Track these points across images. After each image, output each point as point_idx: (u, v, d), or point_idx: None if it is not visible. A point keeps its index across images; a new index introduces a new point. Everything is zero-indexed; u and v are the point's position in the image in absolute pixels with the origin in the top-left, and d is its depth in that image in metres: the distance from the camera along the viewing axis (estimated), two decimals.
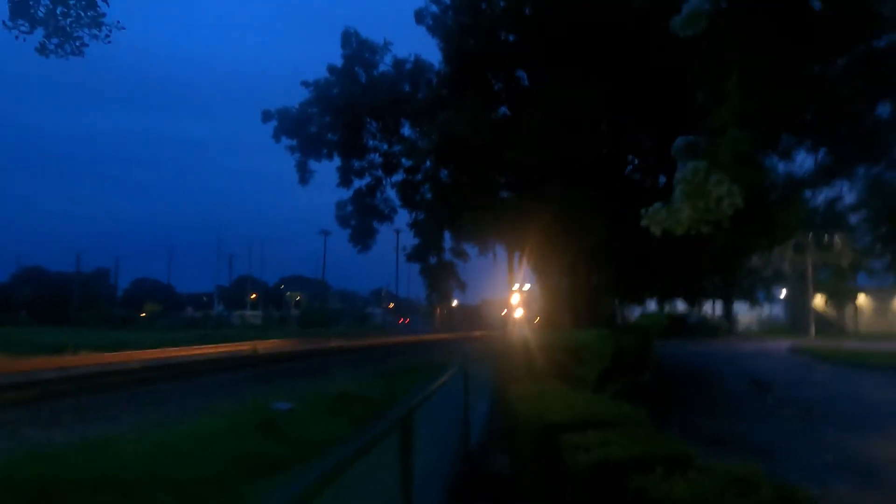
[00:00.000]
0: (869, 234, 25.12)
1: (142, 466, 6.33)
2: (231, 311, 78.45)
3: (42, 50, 6.58)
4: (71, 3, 6.52)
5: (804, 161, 16.31)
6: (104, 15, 6.63)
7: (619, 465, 2.92)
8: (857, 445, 8.69)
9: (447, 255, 22.69)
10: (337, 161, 23.61)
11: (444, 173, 18.95)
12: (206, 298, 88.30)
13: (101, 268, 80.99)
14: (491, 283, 46.19)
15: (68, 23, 6.54)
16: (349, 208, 24.28)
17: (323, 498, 1.77)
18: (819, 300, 45.74)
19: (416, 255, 22.85)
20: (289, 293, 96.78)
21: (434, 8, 18.43)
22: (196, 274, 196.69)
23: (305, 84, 22.56)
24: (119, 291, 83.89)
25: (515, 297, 34.20)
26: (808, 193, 17.83)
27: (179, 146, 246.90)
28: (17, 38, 6.37)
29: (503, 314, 47.27)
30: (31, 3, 6.33)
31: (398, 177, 23.63)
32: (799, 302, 48.26)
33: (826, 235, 26.74)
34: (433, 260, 22.21)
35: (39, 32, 6.58)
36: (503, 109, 18.19)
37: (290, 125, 22.80)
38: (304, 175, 23.43)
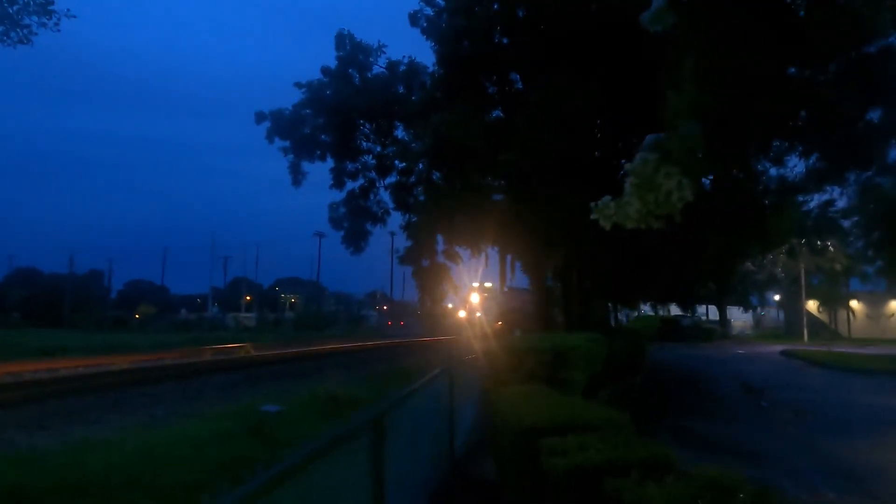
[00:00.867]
0: (861, 239, 25.19)
1: (124, 471, 6.24)
2: (225, 314, 78.14)
3: None
4: None
5: (796, 166, 16.35)
6: (53, 2, 6.56)
7: (594, 470, 2.88)
8: (847, 451, 8.68)
9: (440, 258, 22.61)
10: (330, 162, 23.58)
11: (437, 176, 18.91)
12: (201, 300, 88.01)
13: (95, 269, 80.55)
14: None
15: (14, 10, 6.45)
16: (342, 210, 24.21)
17: (282, 500, 1.72)
18: (812, 305, 45.85)
19: (408, 257, 22.78)
20: (283, 295, 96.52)
21: (428, 10, 18.44)
22: (190, 276, 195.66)
23: (299, 85, 22.53)
24: (113, 293, 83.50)
25: (475, 298, 32.43)
26: (800, 198, 17.85)
27: (174, 148, 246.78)
28: None
29: (462, 317, 45.82)
30: None
31: (391, 179, 23.62)
32: (792, 306, 48.42)
33: (819, 240, 26.75)
34: (426, 262, 22.14)
35: None
36: (497, 112, 18.18)
37: (284, 126, 22.75)
38: (298, 176, 23.37)
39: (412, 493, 4.01)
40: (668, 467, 2.94)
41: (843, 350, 27.69)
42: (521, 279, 39.87)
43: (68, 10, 6.71)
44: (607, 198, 1.99)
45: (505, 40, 16.96)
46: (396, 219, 24.83)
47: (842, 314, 47.10)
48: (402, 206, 23.02)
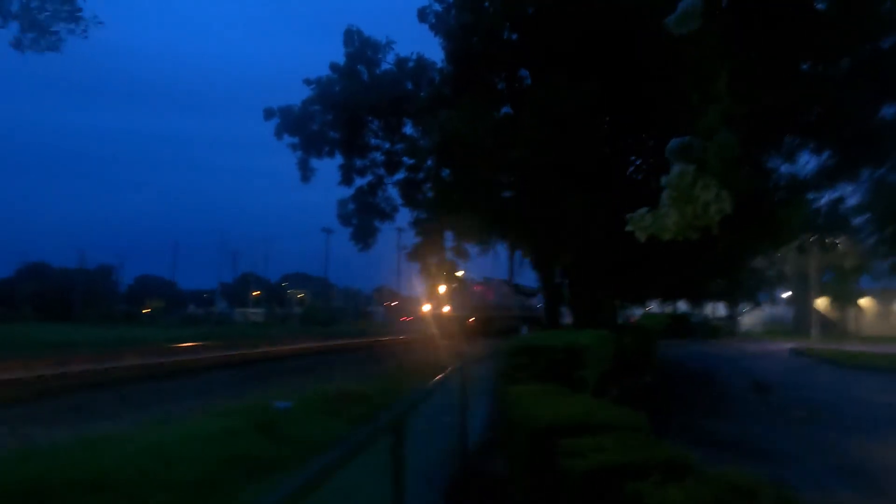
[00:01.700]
0: (873, 236, 24.96)
1: (136, 466, 6.28)
2: (233, 309, 78.56)
3: (18, 45, 6.55)
4: None
5: (808, 162, 16.21)
6: (80, 10, 6.62)
7: (614, 471, 2.87)
8: (861, 450, 8.62)
9: (448, 255, 22.62)
10: (339, 159, 23.63)
11: (445, 172, 18.89)
12: (209, 295, 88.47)
13: (105, 264, 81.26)
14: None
15: (44, 17, 6.52)
16: (351, 206, 24.26)
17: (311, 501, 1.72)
18: (822, 302, 45.56)
19: (416, 254, 22.80)
20: (291, 291, 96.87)
21: (437, 6, 18.40)
22: (199, 271, 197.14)
23: (308, 82, 22.55)
24: (122, 288, 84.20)
25: (442, 289, 29.47)
26: (811, 195, 17.71)
27: (183, 145, 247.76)
28: None
29: (426, 310, 39.90)
30: None
31: (400, 175, 23.61)
32: (802, 304, 48.09)
33: (829, 237, 26.54)
34: (434, 259, 22.16)
35: (14, 27, 6.55)
36: (506, 109, 18.13)
37: (292, 123, 22.79)
38: (306, 173, 23.44)
39: (428, 489, 4.03)
40: (688, 469, 2.92)
41: (853, 348, 27.51)
42: (483, 268, 37.68)
43: (95, 15, 6.79)
44: (643, 210, 1.97)
45: (514, 36, 16.90)
46: (404, 215, 24.87)
47: (852, 312, 46.77)
48: (410, 202, 23.03)
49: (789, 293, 53.27)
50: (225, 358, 21.35)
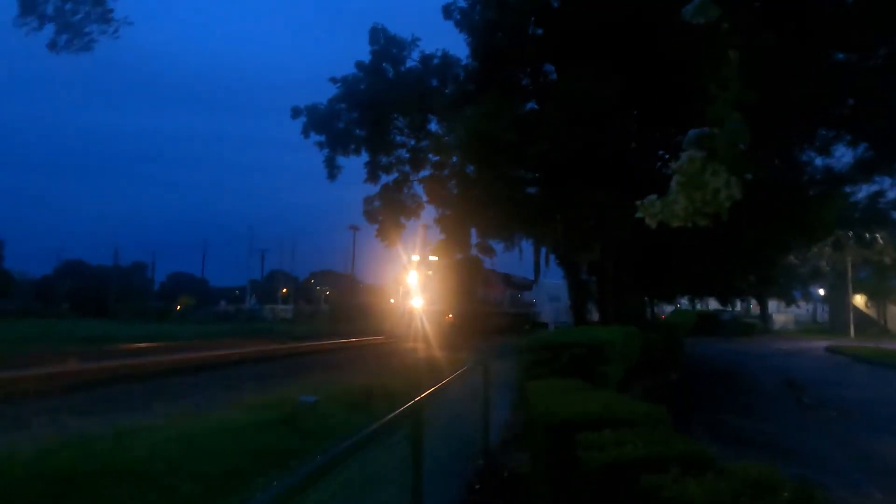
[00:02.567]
0: None
1: (166, 457, 6.46)
2: (262, 305, 79.71)
3: (53, 46, 6.74)
4: None
5: (843, 155, 15.75)
6: (112, 11, 6.78)
7: (632, 465, 2.85)
8: (893, 450, 8.39)
9: (473, 251, 22.61)
10: (365, 156, 23.81)
11: (470, 169, 18.89)
12: (239, 292, 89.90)
13: (139, 262, 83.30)
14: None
15: (77, 19, 6.69)
16: (377, 203, 24.43)
17: (331, 486, 1.76)
18: (859, 299, 44.28)
19: (441, 250, 22.83)
20: (318, 287, 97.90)
21: (462, 2, 18.40)
22: (229, 268, 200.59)
23: (334, 80, 22.76)
24: (155, 285, 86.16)
25: (413, 277, 25.47)
26: (847, 189, 17.20)
27: (214, 144, 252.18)
28: (26, 35, 6.55)
29: (393, 303, 32.58)
30: (38, 0, 6.49)
31: (425, 172, 23.69)
32: (838, 301, 46.84)
33: (867, 233, 25.78)
34: (459, 256, 22.17)
35: (49, 29, 6.74)
36: (531, 104, 18.04)
37: (319, 121, 23.03)
38: (333, 170, 23.67)
39: (449, 481, 4.06)
40: (707, 464, 2.89)
41: (891, 346, 26.70)
42: (508, 265, 35.64)
43: (126, 17, 6.98)
44: (653, 196, 1.97)
45: (538, 31, 16.79)
46: (430, 212, 24.94)
47: (891, 310, 45.37)
48: (435, 199, 23.08)
49: (825, 290, 51.92)
50: (255, 353, 21.65)
